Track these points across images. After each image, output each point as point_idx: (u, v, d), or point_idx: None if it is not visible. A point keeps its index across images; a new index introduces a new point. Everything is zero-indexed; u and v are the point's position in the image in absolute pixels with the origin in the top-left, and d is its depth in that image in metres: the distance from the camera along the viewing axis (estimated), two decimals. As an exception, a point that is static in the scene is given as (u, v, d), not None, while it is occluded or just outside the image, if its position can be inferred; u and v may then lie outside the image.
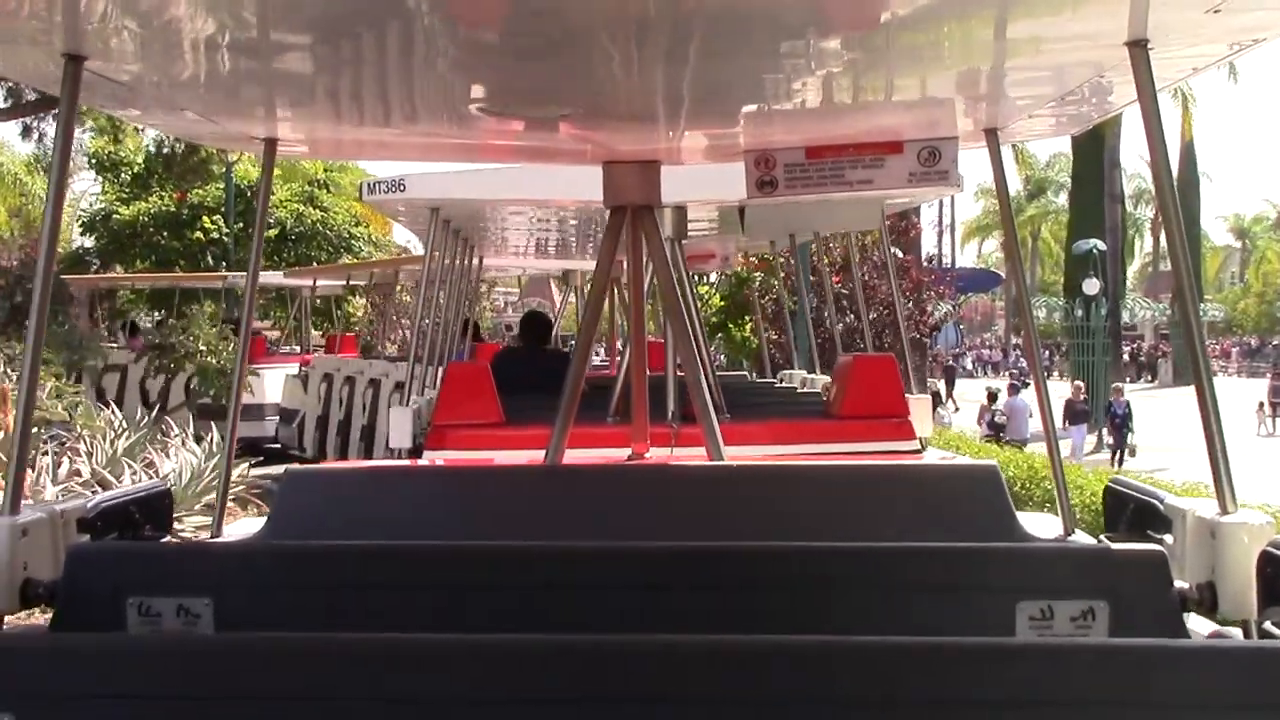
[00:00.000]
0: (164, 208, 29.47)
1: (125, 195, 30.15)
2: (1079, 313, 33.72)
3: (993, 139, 4.09)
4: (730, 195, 6.48)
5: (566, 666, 2.32)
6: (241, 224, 29.44)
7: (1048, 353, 64.34)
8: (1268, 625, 2.81)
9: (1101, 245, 34.09)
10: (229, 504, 4.76)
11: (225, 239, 28.50)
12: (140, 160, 30.82)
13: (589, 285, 8.41)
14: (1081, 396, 27.70)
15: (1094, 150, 37.35)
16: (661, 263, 4.87)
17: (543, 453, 4.95)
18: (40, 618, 3.31)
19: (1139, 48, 2.97)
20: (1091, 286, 33.30)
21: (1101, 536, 3.67)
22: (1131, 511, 3.50)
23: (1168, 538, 3.24)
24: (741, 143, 4.34)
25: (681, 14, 2.78)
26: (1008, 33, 3.04)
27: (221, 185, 28.81)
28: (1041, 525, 3.98)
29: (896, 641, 2.38)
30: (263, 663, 2.35)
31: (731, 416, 6.81)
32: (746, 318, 22.48)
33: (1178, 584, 3.01)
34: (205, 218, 28.99)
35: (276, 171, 7.93)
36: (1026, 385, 44.74)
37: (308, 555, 3.30)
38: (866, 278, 20.29)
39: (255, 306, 4.52)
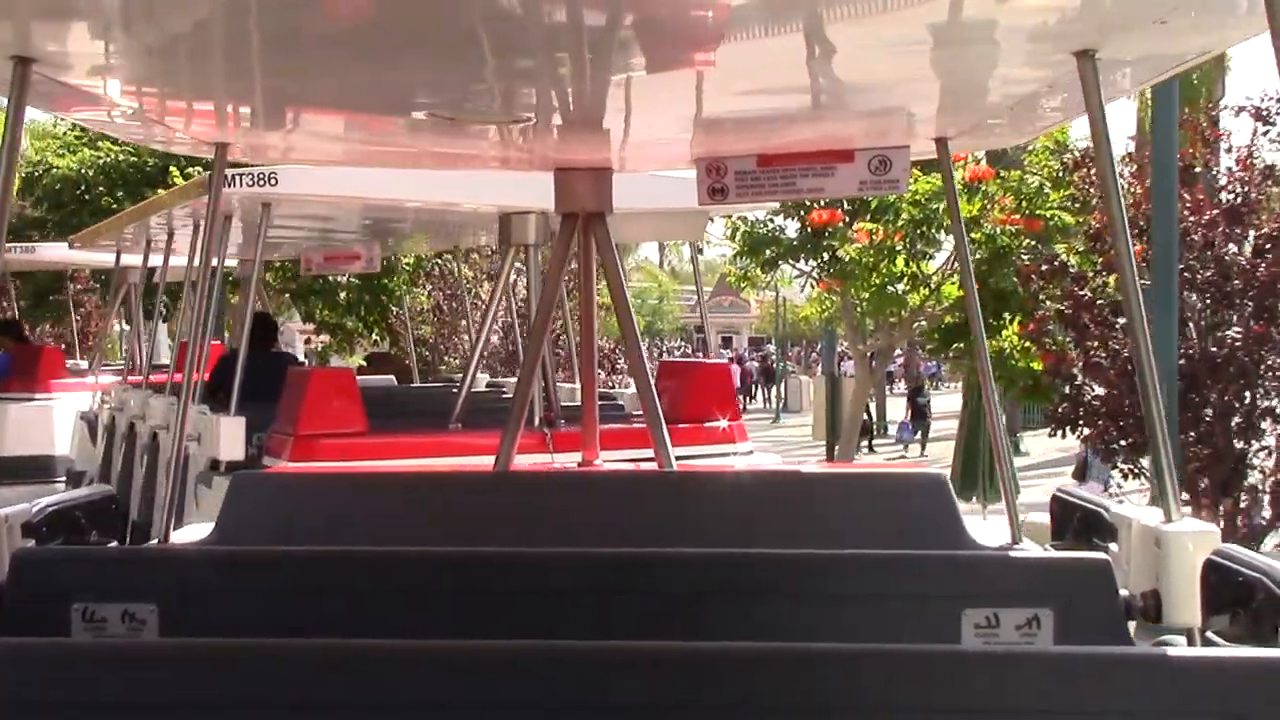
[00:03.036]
0: (120, 156, 20.28)
1: (70, 142, 21.02)
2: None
3: (943, 148, 4.10)
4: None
5: (519, 673, 2.31)
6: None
7: None
8: (1210, 634, 2.82)
9: None
10: None
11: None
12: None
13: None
14: None
15: None
16: (614, 269, 4.84)
17: (409, 462, 5.52)
18: None
19: (1087, 58, 3.01)
20: None
21: (1048, 545, 3.69)
22: (1078, 520, 3.54)
23: (1114, 546, 3.28)
24: (692, 150, 4.35)
25: (631, 23, 2.78)
26: (957, 42, 3.04)
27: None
28: (989, 533, 3.93)
29: (841, 648, 2.43)
30: (208, 669, 2.34)
31: (567, 423, 6.84)
32: (1009, 316, 13.64)
33: (1123, 592, 3.05)
34: (174, 169, 19.50)
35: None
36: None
37: (255, 561, 3.32)
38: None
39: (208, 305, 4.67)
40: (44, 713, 2.27)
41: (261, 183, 7.03)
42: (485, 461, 5.01)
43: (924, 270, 14.06)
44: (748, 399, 45.94)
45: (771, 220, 14.76)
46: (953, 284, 13.94)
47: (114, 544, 3.71)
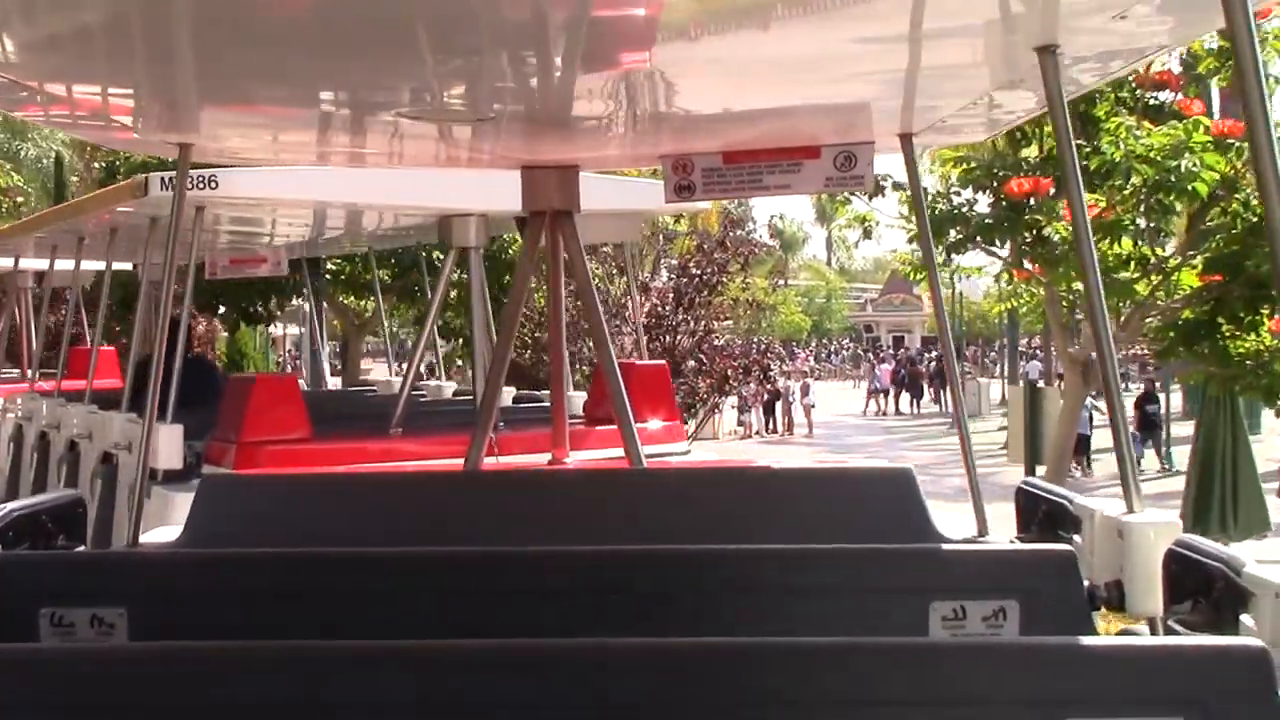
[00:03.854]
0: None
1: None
2: None
3: (907, 144, 4.13)
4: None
5: (489, 672, 2.31)
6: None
7: None
8: (1172, 623, 2.84)
9: None
10: None
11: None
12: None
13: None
14: None
15: None
16: (581, 267, 4.86)
17: (357, 468, 5.38)
18: None
19: (1048, 53, 3.03)
20: None
21: (1013, 537, 3.71)
22: (1043, 512, 3.56)
23: (1078, 538, 3.29)
24: (659, 148, 4.38)
25: (595, 20, 2.80)
26: (920, 39, 3.06)
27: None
28: (956, 526, 3.96)
29: (810, 642, 2.43)
30: (177, 672, 2.33)
31: (508, 426, 6.88)
32: (1267, 310, 10.72)
33: (1087, 583, 3.07)
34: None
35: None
36: None
37: (224, 563, 3.29)
38: None
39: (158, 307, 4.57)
40: (13, 718, 2.23)
41: (201, 185, 6.84)
42: (432, 465, 5.03)
43: (1158, 252, 11.05)
44: (918, 402, 42.75)
45: (957, 194, 11.87)
46: (1192, 269, 10.91)
47: (81, 548, 3.67)
